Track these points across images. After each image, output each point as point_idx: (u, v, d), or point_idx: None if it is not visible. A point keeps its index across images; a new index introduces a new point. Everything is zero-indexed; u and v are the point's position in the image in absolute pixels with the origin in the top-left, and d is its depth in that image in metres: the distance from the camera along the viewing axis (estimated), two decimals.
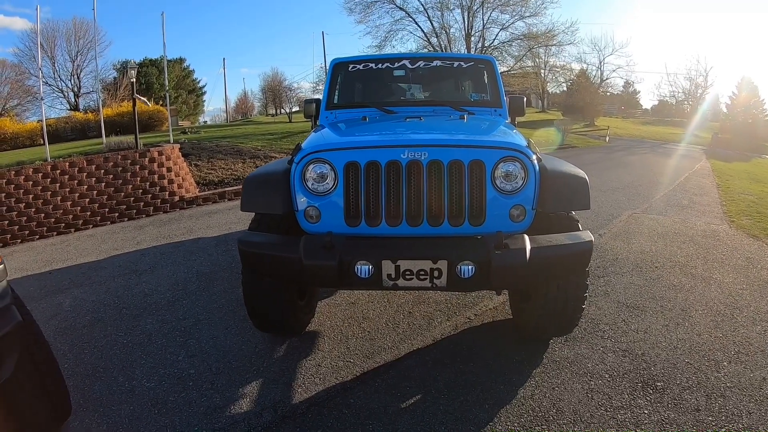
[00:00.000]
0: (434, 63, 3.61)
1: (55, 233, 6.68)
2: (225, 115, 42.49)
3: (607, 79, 38.18)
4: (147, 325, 3.32)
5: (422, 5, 23.39)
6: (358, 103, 3.56)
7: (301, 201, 2.29)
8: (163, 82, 37.10)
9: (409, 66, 3.61)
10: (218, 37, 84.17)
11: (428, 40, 23.79)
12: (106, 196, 7.10)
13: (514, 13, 22.95)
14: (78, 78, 31.11)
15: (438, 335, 2.93)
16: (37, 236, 6.57)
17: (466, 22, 23.40)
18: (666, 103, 49.39)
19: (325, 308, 3.38)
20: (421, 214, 2.18)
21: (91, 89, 31.49)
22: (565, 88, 38.22)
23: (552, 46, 23.91)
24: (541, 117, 30.16)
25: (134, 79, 8.97)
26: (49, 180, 6.68)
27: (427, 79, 3.84)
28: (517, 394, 2.30)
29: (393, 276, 2.11)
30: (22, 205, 6.47)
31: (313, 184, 2.27)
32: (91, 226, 6.95)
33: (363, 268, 2.10)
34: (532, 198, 2.19)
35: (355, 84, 3.82)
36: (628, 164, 13.48)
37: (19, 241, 6.45)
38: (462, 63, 3.61)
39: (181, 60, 41.18)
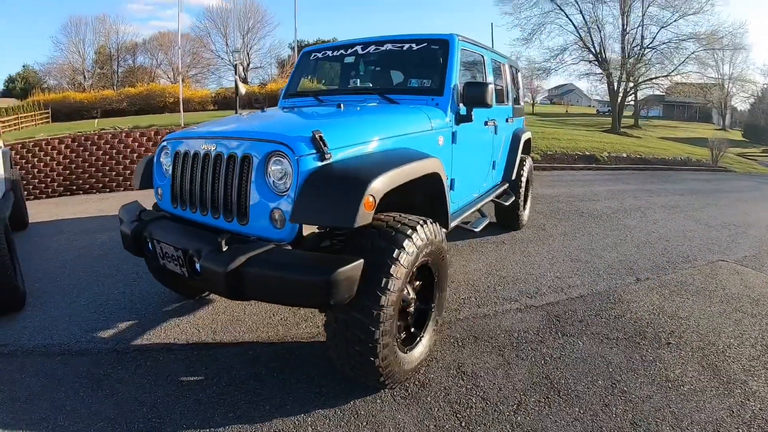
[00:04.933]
0: (384, 47, 3.31)
1: (151, 187, 7.96)
2: None
3: None
4: (125, 265, 4.09)
5: None
6: (301, 92, 3.55)
7: (156, 181, 2.62)
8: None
9: (360, 52, 3.40)
10: (386, 21, 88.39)
11: (579, 35, 21.64)
12: None
13: (675, 10, 19.49)
14: (248, 54, 35.80)
15: (294, 336, 2.80)
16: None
17: (623, 17, 20.60)
18: None
19: None
20: (206, 205, 2.21)
21: (259, 65, 36.14)
22: (749, 105, 31.36)
23: (716, 49, 19.77)
24: (716, 135, 24.92)
25: (237, 62, 10.12)
26: (151, 144, 7.95)
27: (374, 65, 3.57)
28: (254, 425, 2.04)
29: (161, 255, 2.21)
30: (127, 161, 7.82)
31: (165, 167, 2.56)
32: None
33: (149, 244, 2.28)
34: (291, 202, 1.90)
35: (314, 73, 3.78)
36: None
37: (122, 189, 7.85)
38: (413, 45, 3.20)
39: None
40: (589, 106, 53.34)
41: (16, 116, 20.59)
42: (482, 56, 3.75)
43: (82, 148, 7.76)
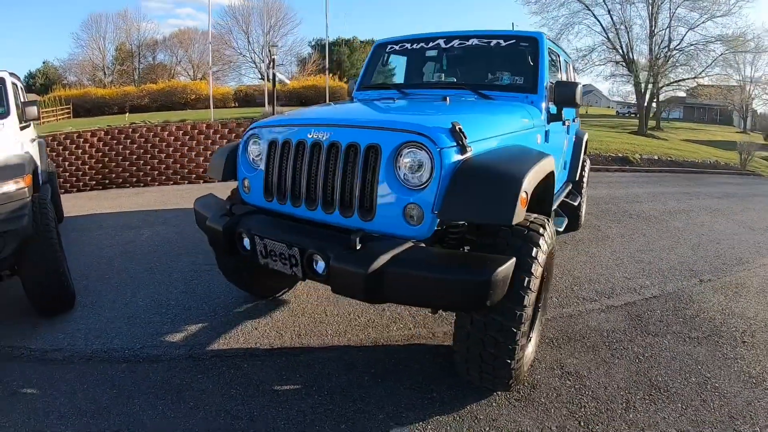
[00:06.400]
0: (470, 42, 3.16)
1: (186, 182, 7.86)
2: None
3: None
4: (179, 263, 3.92)
5: None
6: (380, 84, 3.41)
7: (241, 172, 2.43)
8: (354, 61, 41.09)
9: (443, 46, 3.26)
10: (413, 22, 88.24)
11: (607, 36, 21.32)
12: None
13: (704, 11, 19.10)
14: (269, 51, 35.63)
15: (387, 339, 2.66)
16: (171, 182, 7.82)
17: (651, 18, 20.22)
18: None
19: (316, 284, 3.32)
20: (317, 198, 2.04)
21: (280, 62, 36.00)
22: None
23: (745, 52, 19.42)
24: (737, 138, 24.22)
25: (275, 56, 10.05)
26: (188, 138, 7.83)
27: (458, 59, 3.40)
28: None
29: (264, 253, 2.06)
30: (163, 155, 7.73)
31: (252, 157, 2.39)
32: None
33: (246, 241, 2.12)
34: (433, 197, 1.75)
35: (390, 65, 3.64)
36: None
37: (157, 184, 7.75)
38: (501, 41, 3.07)
39: (373, 41, 44.96)
40: (608, 107, 52.77)
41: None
42: (558, 55, 3.65)
43: (115, 141, 7.67)
